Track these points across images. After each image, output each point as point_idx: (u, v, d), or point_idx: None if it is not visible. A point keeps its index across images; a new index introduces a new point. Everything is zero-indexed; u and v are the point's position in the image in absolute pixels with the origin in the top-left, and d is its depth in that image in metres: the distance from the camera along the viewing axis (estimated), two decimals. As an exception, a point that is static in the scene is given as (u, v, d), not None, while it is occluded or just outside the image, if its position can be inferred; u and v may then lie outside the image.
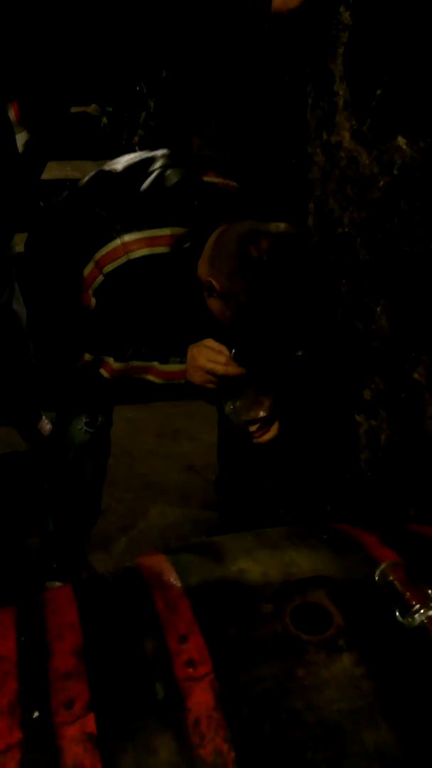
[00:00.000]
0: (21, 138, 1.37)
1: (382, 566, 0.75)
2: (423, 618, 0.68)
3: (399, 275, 1.26)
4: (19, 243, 1.70)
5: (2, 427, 2.13)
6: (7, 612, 0.74)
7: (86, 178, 1.50)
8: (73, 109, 1.59)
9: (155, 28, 1.37)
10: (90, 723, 0.61)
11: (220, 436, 1.73)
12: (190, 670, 0.65)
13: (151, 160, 1.44)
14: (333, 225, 1.47)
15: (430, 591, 0.71)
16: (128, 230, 1.31)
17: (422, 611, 0.69)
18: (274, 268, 1.23)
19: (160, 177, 1.38)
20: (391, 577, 0.73)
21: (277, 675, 0.66)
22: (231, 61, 1.97)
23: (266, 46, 1.71)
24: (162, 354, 1.39)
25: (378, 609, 0.71)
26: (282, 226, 1.29)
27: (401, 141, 1.19)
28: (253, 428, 1.45)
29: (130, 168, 1.43)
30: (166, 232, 1.33)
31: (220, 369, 1.35)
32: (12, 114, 1.33)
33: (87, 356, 1.39)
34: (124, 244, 1.31)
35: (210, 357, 1.36)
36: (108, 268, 1.33)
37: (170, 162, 1.42)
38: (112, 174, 1.44)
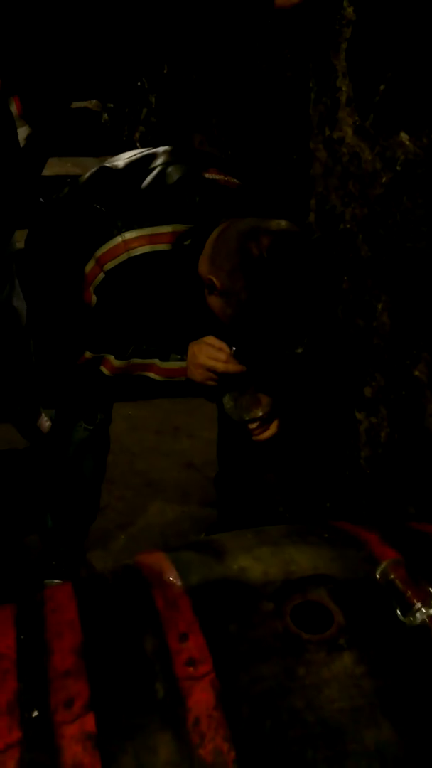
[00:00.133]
0: (23, 132, 1.36)
1: (383, 564, 0.74)
2: (424, 617, 0.68)
3: (401, 272, 1.26)
4: (20, 239, 1.69)
5: (1, 424, 2.12)
6: (6, 610, 0.74)
7: (87, 175, 1.49)
8: (74, 105, 1.58)
9: (157, 23, 1.36)
10: (89, 722, 0.61)
11: (219, 434, 1.72)
12: (191, 669, 0.65)
13: (153, 157, 1.43)
14: (335, 221, 1.46)
15: (431, 589, 0.70)
16: (129, 227, 1.31)
17: (423, 610, 0.68)
18: (274, 266, 1.23)
19: (162, 174, 1.38)
20: (392, 576, 0.73)
21: (277, 674, 0.65)
22: (233, 56, 1.97)
23: (268, 42, 1.70)
24: (163, 351, 1.39)
25: (379, 608, 0.71)
26: (283, 223, 1.28)
27: (404, 137, 1.18)
28: (252, 426, 1.45)
29: (131, 165, 1.43)
30: (167, 229, 1.33)
31: (220, 366, 1.35)
32: (14, 108, 1.32)
33: (88, 354, 1.39)
34: (125, 242, 1.31)
35: (211, 354, 1.36)
36: (109, 266, 1.32)
37: (172, 159, 1.42)
38: (114, 171, 1.43)
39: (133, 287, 1.34)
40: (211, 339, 1.37)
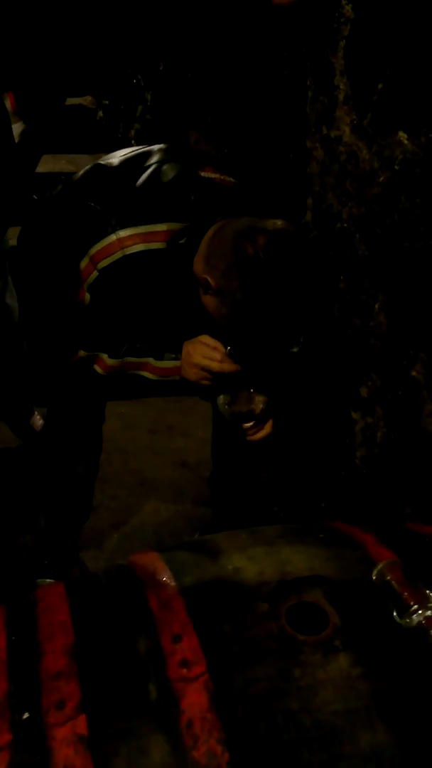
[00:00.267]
0: (17, 128, 1.36)
1: (380, 566, 0.74)
2: (421, 618, 0.68)
3: (398, 272, 1.26)
4: (13, 236, 1.68)
5: (-6, 423, 2.12)
6: (-2, 610, 0.73)
7: (81, 172, 1.48)
8: (69, 101, 1.57)
9: (153, 19, 1.36)
10: (81, 724, 0.60)
11: (214, 433, 1.72)
12: (184, 670, 0.64)
13: (148, 155, 1.43)
14: (332, 220, 1.46)
15: (428, 591, 0.70)
16: (124, 225, 1.31)
17: (420, 611, 0.68)
18: (270, 266, 1.22)
19: (157, 172, 1.37)
20: (388, 577, 0.72)
21: (272, 676, 0.65)
22: (229, 53, 1.96)
23: (265, 39, 1.70)
24: (157, 350, 1.38)
25: (375, 609, 0.71)
26: (279, 222, 1.28)
27: (402, 136, 1.18)
28: (247, 425, 1.44)
29: (126, 162, 1.42)
30: (162, 227, 1.32)
31: (215, 366, 1.35)
32: (8, 104, 1.32)
33: (81, 352, 1.38)
34: (119, 240, 1.30)
35: (205, 353, 1.35)
36: (103, 264, 1.32)
37: (167, 157, 1.41)
38: (108, 168, 1.42)
39: (127, 286, 1.34)
40: (205, 338, 1.37)
